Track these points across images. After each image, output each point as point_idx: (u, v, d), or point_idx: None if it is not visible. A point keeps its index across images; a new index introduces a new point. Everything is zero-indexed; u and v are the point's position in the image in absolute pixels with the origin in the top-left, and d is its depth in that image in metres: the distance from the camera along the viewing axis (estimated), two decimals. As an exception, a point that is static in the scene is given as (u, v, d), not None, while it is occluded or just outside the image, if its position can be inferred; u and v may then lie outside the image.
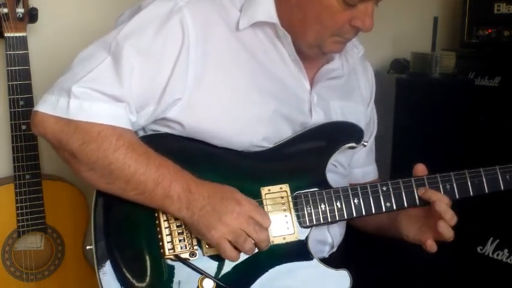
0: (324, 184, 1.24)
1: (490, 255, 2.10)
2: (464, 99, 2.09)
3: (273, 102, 1.24)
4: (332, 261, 1.26)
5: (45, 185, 1.76)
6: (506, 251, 2.06)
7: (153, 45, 1.14)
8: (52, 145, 1.14)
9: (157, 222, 1.15)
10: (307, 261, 1.21)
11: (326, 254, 1.35)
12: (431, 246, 1.25)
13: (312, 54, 1.27)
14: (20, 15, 1.69)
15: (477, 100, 2.12)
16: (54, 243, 1.83)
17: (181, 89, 1.16)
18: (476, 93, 2.13)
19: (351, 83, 1.42)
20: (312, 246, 1.22)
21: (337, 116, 1.34)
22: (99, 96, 1.10)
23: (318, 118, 1.30)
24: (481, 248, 2.11)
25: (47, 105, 1.11)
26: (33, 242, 1.84)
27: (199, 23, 1.17)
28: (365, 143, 1.31)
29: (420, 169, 1.29)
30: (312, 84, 1.32)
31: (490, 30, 2.18)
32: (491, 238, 2.08)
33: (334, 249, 1.37)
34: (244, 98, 1.21)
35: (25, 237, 1.80)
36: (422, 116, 2.07)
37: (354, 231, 1.46)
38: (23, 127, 1.71)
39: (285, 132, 1.26)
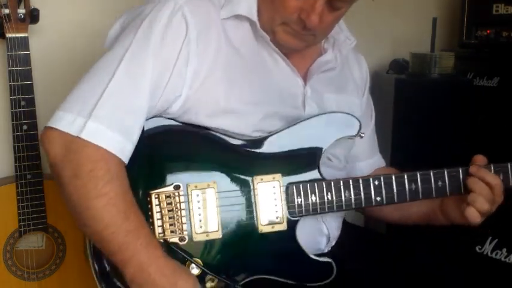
0: (317, 175, 1.25)
1: (489, 254, 2.11)
2: (463, 99, 2.10)
3: (264, 100, 1.25)
4: (331, 257, 1.26)
5: (46, 185, 1.77)
6: (504, 250, 2.07)
7: (163, 50, 1.14)
8: (49, 164, 1.13)
9: (149, 206, 1.16)
10: (294, 250, 1.23)
11: (323, 246, 1.36)
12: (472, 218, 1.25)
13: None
14: (21, 16, 1.69)
15: (476, 100, 2.13)
16: (56, 243, 1.83)
17: (181, 85, 1.17)
18: (475, 93, 2.14)
19: (344, 74, 1.43)
20: (307, 236, 1.24)
21: (331, 109, 1.34)
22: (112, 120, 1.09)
23: (311, 111, 1.31)
24: (480, 247, 2.12)
25: (58, 123, 1.09)
26: (35, 241, 1.85)
27: (198, 21, 1.18)
28: (362, 134, 1.30)
29: (479, 159, 1.30)
30: (306, 78, 1.33)
31: (488, 31, 2.18)
32: (490, 238, 2.09)
33: (333, 243, 1.38)
34: (237, 97, 1.22)
35: (26, 237, 1.81)
36: (421, 116, 2.08)
37: (351, 230, 1.47)
38: (24, 127, 1.71)
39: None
